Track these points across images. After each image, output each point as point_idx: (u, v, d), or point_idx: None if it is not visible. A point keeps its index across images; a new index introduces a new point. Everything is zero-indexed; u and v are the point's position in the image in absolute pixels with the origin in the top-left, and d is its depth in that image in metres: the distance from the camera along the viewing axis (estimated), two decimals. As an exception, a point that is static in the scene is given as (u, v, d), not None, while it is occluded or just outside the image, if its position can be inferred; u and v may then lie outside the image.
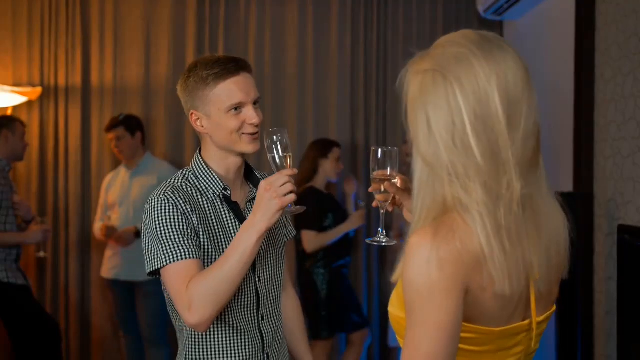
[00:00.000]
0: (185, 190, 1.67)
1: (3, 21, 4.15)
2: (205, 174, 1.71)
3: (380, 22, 4.34)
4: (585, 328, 2.94)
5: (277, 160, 1.58)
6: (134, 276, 3.75)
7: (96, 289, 4.20)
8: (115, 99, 4.22)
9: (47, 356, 3.51)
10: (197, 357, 1.69)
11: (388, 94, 4.33)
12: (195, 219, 1.63)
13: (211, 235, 1.65)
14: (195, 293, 1.51)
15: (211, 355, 1.68)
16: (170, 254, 1.56)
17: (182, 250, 1.56)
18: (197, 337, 1.69)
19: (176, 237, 1.57)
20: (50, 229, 3.66)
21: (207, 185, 1.70)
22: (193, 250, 1.58)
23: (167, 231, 1.58)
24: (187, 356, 1.70)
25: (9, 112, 3.99)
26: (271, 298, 1.77)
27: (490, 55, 1.04)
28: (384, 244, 1.59)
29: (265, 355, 1.74)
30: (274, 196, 1.51)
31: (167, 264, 1.56)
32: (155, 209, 1.60)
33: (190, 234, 1.59)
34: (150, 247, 1.60)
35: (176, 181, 1.70)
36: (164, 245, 1.57)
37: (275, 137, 1.58)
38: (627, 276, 2.46)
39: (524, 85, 1.05)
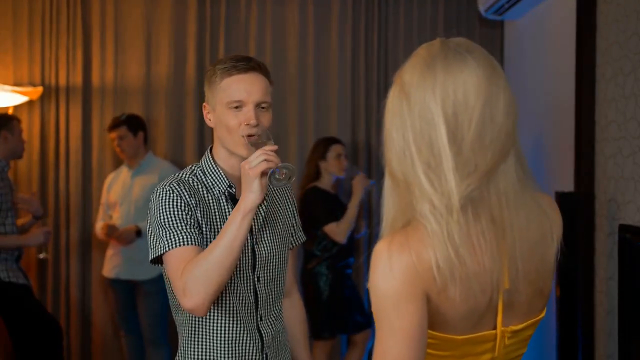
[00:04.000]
0: (191, 184, 1.69)
1: (4, 21, 4.16)
2: (213, 170, 1.73)
3: (381, 22, 4.34)
4: (585, 328, 2.93)
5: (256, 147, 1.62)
6: (134, 275, 3.76)
7: (97, 288, 4.20)
8: (116, 99, 4.22)
9: (48, 355, 3.51)
10: (196, 353, 1.70)
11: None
12: (199, 213, 1.64)
13: (213, 230, 1.66)
14: (188, 277, 1.52)
15: (210, 351, 1.69)
16: (171, 240, 1.58)
17: (183, 237, 1.58)
18: (196, 333, 1.70)
19: (178, 224, 1.59)
20: (51, 230, 3.65)
21: (213, 182, 1.72)
22: (194, 237, 1.59)
23: (169, 219, 1.60)
24: (187, 352, 1.71)
25: (10, 112, 3.99)
26: (271, 300, 1.77)
27: (442, 69, 1.06)
28: None
29: (264, 356, 1.74)
30: (246, 168, 1.53)
31: (167, 250, 1.58)
32: (160, 198, 1.63)
33: (192, 223, 1.61)
34: (153, 235, 1.63)
35: (184, 175, 1.72)
36: (165, 232, 1.59)
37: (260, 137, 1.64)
38: (628, 276, 2.46)
39: (477, 97, 1.04)
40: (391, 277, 1.03)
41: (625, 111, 2.72)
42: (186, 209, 1.62)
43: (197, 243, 1.59)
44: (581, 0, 3.07)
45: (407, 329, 1.02)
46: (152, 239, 1.63)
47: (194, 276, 1.51)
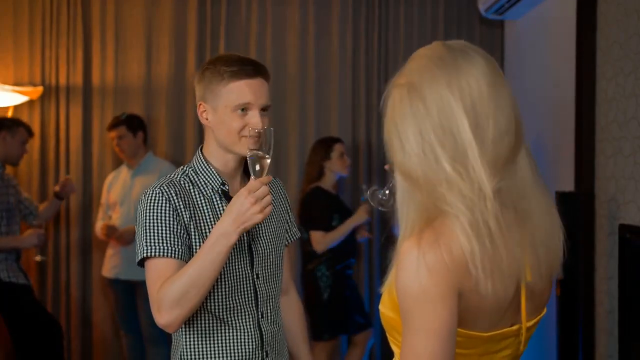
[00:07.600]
0: (182, 185, 1.69)
1: (4, 20, 4.16)
2: (204, 169, 1.73)
3: (382, 22, 4.34)
4: (586, 327, 2.93)
5: (257, 164, 1.58)
6: (134, 275, 3.76)
7: (97, 288, 4.20)
8: (117, 99, 4.22)
9: (48, 355, 3.51)
10: (196, 351, 1.69)
11: (389, 94, 4.32)
12: (187, 215, 1.64)
13: (204, 232, 1.65)
14: (163, 295, 1.53)
15: (209, 349, 1.69)
16: (153, 247, 1.58)
17: (166, 247, 1.58)
18: (196, 331, 1.69)
19: (163, 231, 1.59)
20: (44, 232, 3.62)
21: (205, 181, 1.72)
22: (177, 249, 1.59)
23: (155, 224, 1.60)
24: (186, 351, 1.70)
25: (10, 112, 3.99)
26: (271, 297, 1.77)
27: (453, 66, 1.09)
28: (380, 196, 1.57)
29: (265, 353, 1.74)
30: (257, 209, 1.52)
31: (148, 255, 1.58)
32: (148, 201, 1.63)
33: (179, 231, 1.61)
34: (139, 237, 1.63)
35: (175, 177, 1.72)
36: (149, 236, 1.59)
37: (262, 137, 1.58)
38: (629, 275, 2.46)
39: (489, 89, 1.09)
40: (424, 276, 1.03)
41: (625, 111, 2.72)
42: (174, 214, 1.62)
43: (179, 257, 1.59)
44: (581, 0, 3.07)
45: (439, 328, 1.02)
46: (138, 241, 1.64)
47: (169, 296, 1.53)
